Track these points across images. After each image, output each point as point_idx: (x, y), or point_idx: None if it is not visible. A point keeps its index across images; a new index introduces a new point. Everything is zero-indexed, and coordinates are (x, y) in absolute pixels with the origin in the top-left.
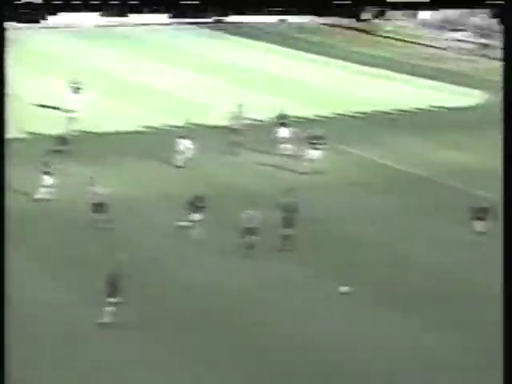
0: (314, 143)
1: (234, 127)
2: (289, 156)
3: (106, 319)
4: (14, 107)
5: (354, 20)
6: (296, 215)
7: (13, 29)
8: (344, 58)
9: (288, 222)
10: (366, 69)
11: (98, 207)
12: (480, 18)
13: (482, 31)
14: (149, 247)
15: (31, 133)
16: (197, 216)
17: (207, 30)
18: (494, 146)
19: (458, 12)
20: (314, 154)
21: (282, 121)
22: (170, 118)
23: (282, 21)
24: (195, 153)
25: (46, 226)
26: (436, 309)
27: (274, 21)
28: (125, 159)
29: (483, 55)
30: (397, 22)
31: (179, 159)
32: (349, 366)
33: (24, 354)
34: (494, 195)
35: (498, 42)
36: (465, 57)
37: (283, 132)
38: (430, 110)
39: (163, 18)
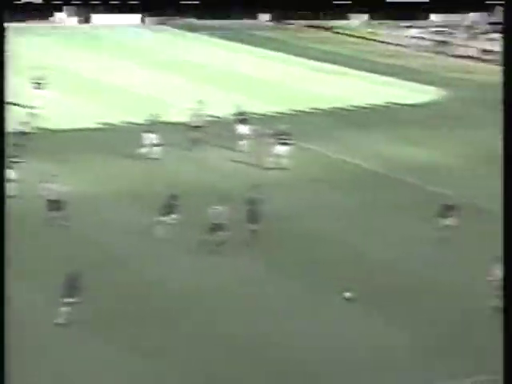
0: (279, 139)
1: (195, 124)
2: (248, 152)
3: (63, 319)
4: None
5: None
6: (260, 211)
7: None
8: (303, 55)
9: (253, 218)
10: (325, 66)
11: (54, 204)
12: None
13: (438, 28)
14: (107, 245)
15: None
16: (162, 213)
17: (169, 28)
18: (447, 143)
19: None
20: (279, 149)
21: (241, 117)
22: (131, 115)
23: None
24: (157, 149)
25: None
26: (395, 305)
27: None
28: (85, 156)
29: (440, 52)
30: (355, 21)
31: (141, 156)
32: (298, 364)
33: None
34: (449, 191)
35: (454, 40)
36: (422, 54)
37: (242, 128)
38: (387, 107)
39: (135, 18)
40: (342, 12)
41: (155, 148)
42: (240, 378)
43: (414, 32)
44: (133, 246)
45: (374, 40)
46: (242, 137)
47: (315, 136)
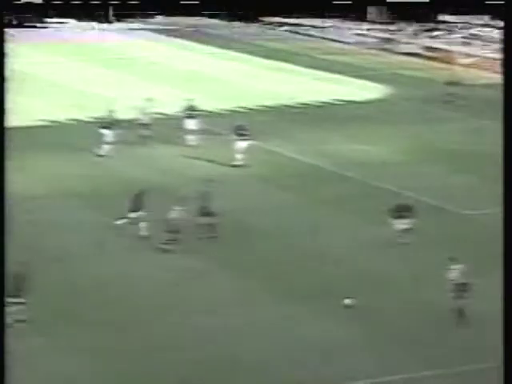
0: (239, 134)
1: (143, 121)
2: (196, 148)
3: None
4: None
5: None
6: (210, 207)
7: None
8: (248, 52)
9: (203, 214)
10: (270, 62)
11: None
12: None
13: (382, 26)
14: (52, 246)
15: None
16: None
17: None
18: (391, 140)
19: None
20: (230, 146)
21: (189, 114)
22: (77, 113)
23: None
24: (107, 147)
25: None
26: (336, 299)
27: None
28: (28, 154)
29: (385, 49)
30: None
31: (90, 153)
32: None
33: None
34: (395, 188)
35: (399, 37)
36: (367, 51)
37: (190, 123)
38: (332, 104)
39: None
40: (341, 12)
41: (105, 146)
42: None
43: (357, 29)
44: (77, 245)
45: (320, 37)
46: (189, 132)
47: (262, 133)
